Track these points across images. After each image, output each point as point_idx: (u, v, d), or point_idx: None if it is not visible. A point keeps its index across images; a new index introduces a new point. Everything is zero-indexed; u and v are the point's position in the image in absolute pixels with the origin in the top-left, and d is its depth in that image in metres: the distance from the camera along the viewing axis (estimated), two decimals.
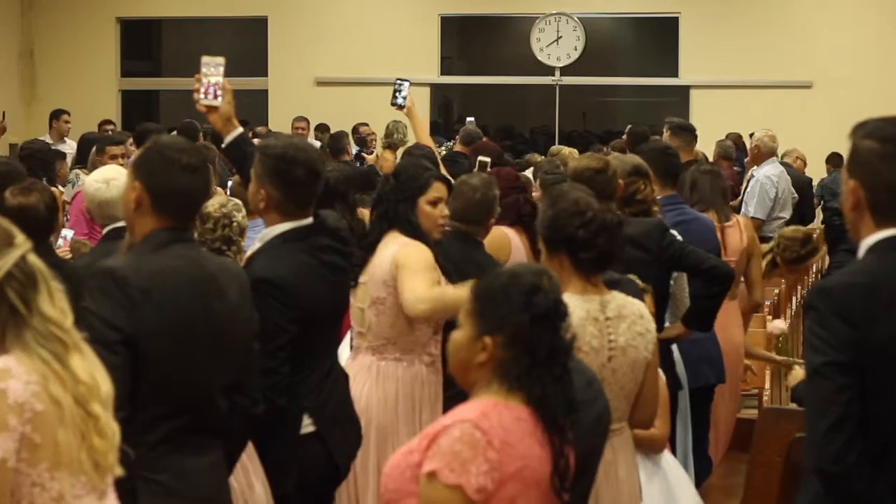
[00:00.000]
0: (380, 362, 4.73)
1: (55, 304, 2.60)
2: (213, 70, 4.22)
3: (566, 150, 9.62)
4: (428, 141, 7.49)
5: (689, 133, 9.50)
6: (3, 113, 12.84)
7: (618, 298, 3.89)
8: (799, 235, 7.12)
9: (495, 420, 2.72)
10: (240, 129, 4.30)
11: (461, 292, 4.32)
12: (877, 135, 2.90)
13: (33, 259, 2.61)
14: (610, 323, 3.83)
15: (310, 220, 4.01)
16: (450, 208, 4.94)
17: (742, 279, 6.67)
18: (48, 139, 11.98)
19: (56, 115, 12.87)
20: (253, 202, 4.04)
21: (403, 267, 4.64)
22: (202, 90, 4.22)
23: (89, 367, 2.62)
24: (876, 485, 2.83)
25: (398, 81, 7.22)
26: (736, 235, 6.56)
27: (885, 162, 2.88)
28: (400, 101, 7.18)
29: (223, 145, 4.36)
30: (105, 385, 2.64)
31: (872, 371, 2.79)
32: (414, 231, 4.75)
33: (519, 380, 2.77)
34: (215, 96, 4.23)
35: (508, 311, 2.80)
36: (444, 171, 5.64)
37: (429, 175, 4.85)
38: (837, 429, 2.79)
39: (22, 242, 2.61)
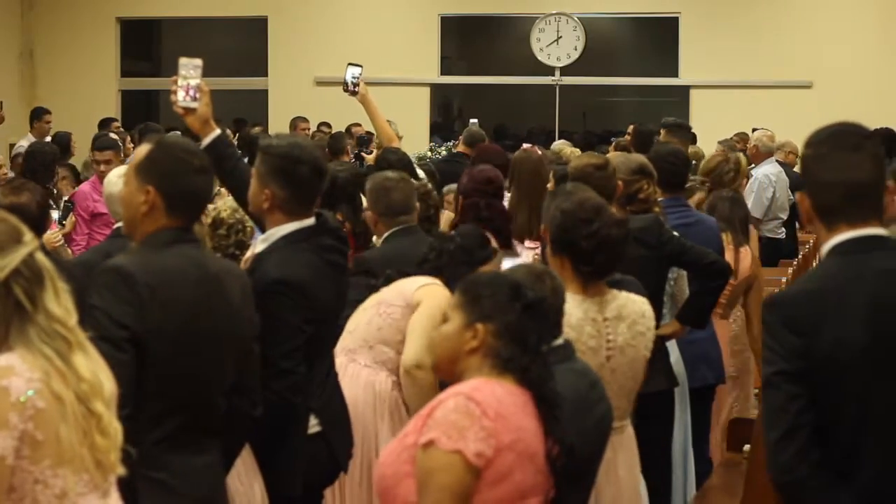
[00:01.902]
0: (348, 364, 4.72)
1: (60, 302, 2.61)
2: (191, 72, 4.20)
3: (567, 149, 9.57)
4: (386, 129, 7.42)
5: (685, 132, 9.51)
6: (1, 103, 12.80)
7: (619, 298, 3.90)
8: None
9: (488, 392, 2.76)
10: (217, 131, 4.26)
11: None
12: (810, 141, 2.95)
13: (40, 257, 2.62)
14: (609, 323, 3.85)
15: (312, 220, 4.00)
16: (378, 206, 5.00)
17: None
18: (31, 138, 11.88)
19: (37, 114, 12.67)
20: (255, 202, 4.01)
21: (425, 306, 4.59)
22: (180, 92, 4.21)
23: (92, 366, 2.63)
24: (836, 496, 2.79)
25: (352, 67, 7.07)
26: (747, 262, 6.57)
27: (816, 162, 2.91)
28: (352, 87, 7.10)
29: (201, 147, 4.35)
30: (108, 384, 2.65)
31: (821, 379, 2.77)
32: None
33: (511, 361, 2.82)
34: (193, 98, 4.20)
35: (499, 301, 2.84)
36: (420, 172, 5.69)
37: (489, 252, 4.81)
38: (788, 439, 2.77)
39: (30, 240, 2.63)
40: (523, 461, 2.75)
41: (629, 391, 3.92)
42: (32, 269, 2.59)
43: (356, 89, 7.10)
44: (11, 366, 2.53)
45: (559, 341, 3.32)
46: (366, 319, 4.68)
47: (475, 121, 11.75)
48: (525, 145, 7.39)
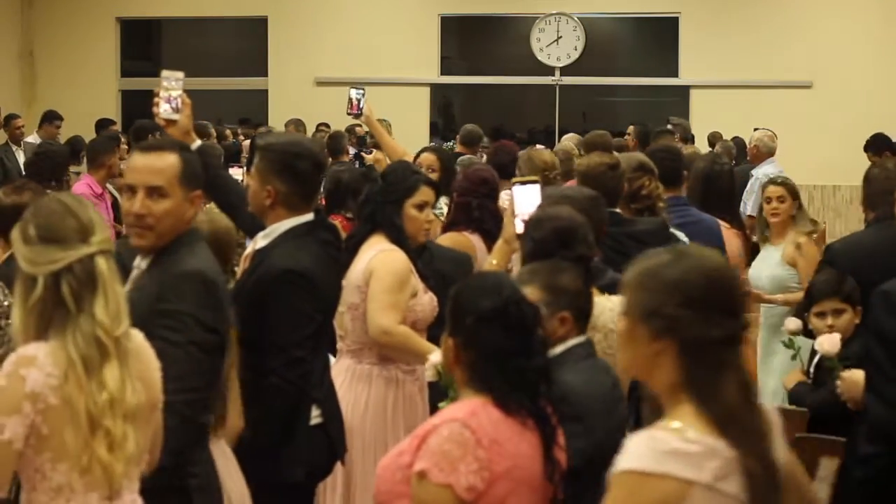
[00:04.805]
0: (356, 366, 4.73)
1: (109, 310, 2.62)
2: (173, 84, 4.32)
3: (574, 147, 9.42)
4: (393, 146, 7.42)
5: (669, 134, 9.52)
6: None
7: (594, 308, 3.90)
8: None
9: (484, 419, 2.73)
10: (198, 142, 4.39)
11: (426, 346, 4.43)
12: None
13: (102, 262, 2.64)
14: None
15: (311, 216, 4.07)
16: None
17: None
18: (37, 137, 11.83)
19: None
20: (256, 200, 4.09)
21: (375, 277, 4.65)
22: (163, 104, 4.32)
23: (121, 380, 2.64)
24: None
25: (354, 90, 7.21)
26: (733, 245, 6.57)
27: None
28: (358, 110, 7.19)
29: None
30: (135, 398, 2.66)
31: None
32: (397, 235, 4.75)
33: (481, 380, 2.80)
34: (175, 110, 4.32)
35: (461, 313, 2.83)
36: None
37: (417, 178, 4.85)
38: None
39: (97, 242, 2.64)
40: (519, 487, 2.74)
41: None
42: (87, 271, 2.61)
43: (359, 111, 7.18)
44: (35, 357, 2.56)
45: (579, 339, 3.35)
46: (350, 326, 4.71)
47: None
48: (538, 146, 7.39)
